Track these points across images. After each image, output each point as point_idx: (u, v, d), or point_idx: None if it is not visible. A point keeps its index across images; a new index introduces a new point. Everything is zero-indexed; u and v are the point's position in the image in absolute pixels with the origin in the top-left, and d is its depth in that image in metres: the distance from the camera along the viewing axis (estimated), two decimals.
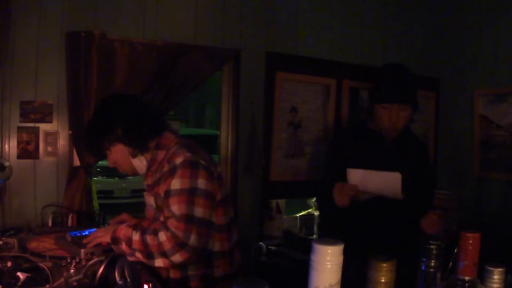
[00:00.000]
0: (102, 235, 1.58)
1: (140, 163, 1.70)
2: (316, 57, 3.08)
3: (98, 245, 1.57)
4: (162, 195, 1.53)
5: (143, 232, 1.47)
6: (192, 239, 1.41)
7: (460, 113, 3.50)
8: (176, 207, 1.44)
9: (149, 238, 1.44)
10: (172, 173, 1.50)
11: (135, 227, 1.51)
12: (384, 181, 1.88)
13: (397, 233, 2.01)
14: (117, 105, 1.68)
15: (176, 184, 1.47)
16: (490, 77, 3.27)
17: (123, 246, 1.48)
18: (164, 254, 1.41)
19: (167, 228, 1.42)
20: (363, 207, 1.97)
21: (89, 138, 1.72)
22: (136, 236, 1.47)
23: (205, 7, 2.74)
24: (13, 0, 2.30)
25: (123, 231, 1.52)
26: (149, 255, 1.43)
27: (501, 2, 3.20)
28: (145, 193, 1.74)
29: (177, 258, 1.40)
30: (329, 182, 1.98)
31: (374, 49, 3.32)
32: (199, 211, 1.45)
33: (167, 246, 1.40)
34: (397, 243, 1.94)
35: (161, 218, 1.53)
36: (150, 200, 1.68)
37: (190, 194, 1.46)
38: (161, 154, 1.63)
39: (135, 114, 1.65)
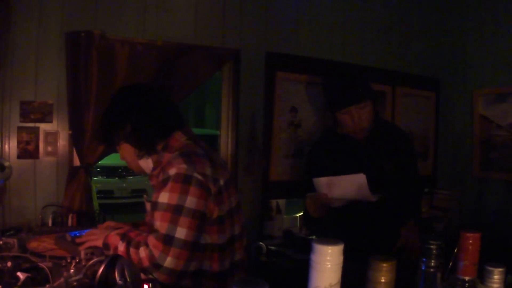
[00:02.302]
0: (95, 239, 1.56)
1: (146, 164, 1.63)
2: (316, 57, 3.08)
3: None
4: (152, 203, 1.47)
5: (128, 244, 1.43)
6: (168, 261, 1.33)
7: (460, 113, 3.50)
8: (159, 224, 1.37)
9: (132, 251, 1.40)
10: (164, 184, 1.41)
11: (122, 237, 1.46)
12: (350, 184, 1.89)
13: (375, 239, 1.97)
14: (131, 98, 1.60)
15: (164, 197, 1.39)
16: (490, 77, 3.28)
17: (111, 254, 1.45)
18: (144, 271, 1.36)
19: (147, 245, 1.37)
20: (338, 213, 1.98)
21: (101, 129, 1.66)
22: (121, 247, 1.43)
23: (205, 7, 2.74)
24: (13, 0, 2.30)
25: (113, 238, 1.48)
26: None
27: (501, 2, 3.21)
28: (145, 196, 1.69)
29: (156, 276, 1.35)
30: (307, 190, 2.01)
31: (374, 49, 3.32)
32: (181, 232, 1.36)
33: (145, 263, 1.35)
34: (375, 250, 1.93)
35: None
36: (147, 205, 1.62)
37: (175, 212, 1.36)
38: (166, 157, 1.51)
39: (148, 111, 1.56)
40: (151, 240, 1.36)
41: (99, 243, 1.53)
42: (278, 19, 2.96)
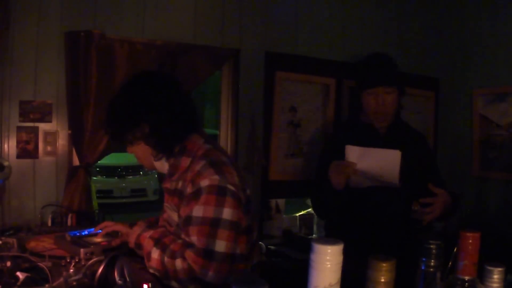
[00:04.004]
0: (126, 234, 1.56)
1: (161, 166, 1.54)
2: (315, 56, 3.07)
3: (97, 244, 1.57)
4: (183, 217, 1.39)
5: (163, 251, 1.37)
6: (210, 276, 1.28)
7: (460, 113, 3.50)
8: (196, 238, 1.31)
9: (167, 261, 1.34)
10: (196, 196, 1.34)
11: (156, 243, 1.41)
12: (382, 159, 1.83)
13: (395, 229, 1.96)
14: (151, 91, 1.45)
15: (198, 211, 1.32)
16: (490, 76, 3.28)
17: (143, 254, 1.45)
18: (179, 282, 1.32)
19: (184, 258, 1.31)
20: (359, 195, 1.93)
21: (113, 124, 1.50)
22: (155, 254, 1.38)
23: (205, 6, 2.74)
24: (13, 0, 2.30)
25: (146, 242, 1.44)
26: (166, 276, 1.36)
27: (500, 2, 3.21)
28: (166, 204, 1.56)
29: None
30: (323, 171, 1.94)
31: (374, 48, 3.29)
32: (221, 245, 1.30)
33: (182, 276, 1.31)
34: (395, 240, 1.91)
35: (182, 236, 1.40)
36: (172, 214, 1.50)
37: (213, 226, 1.31)
38: (185, 161, 1.44)
39: (170, 109, 1.43)
40: (190, 255, 1.30)
41: (130, 241, 1.49)
42: (277, 19, 2.96)
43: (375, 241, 1.87)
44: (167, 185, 1.51)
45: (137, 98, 1.44)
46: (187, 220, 1.35)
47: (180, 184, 1.44)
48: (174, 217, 1.47)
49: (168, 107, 1.44)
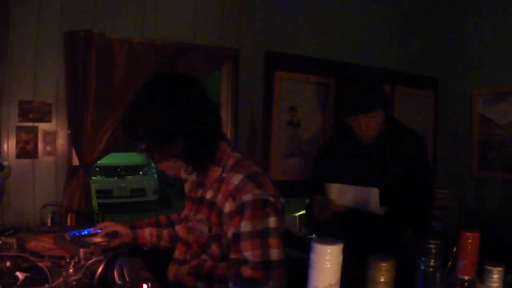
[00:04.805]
0: (126, 235, 1.59)
1: (190, 177, 1.48)
2: (315, 56, 3.08)
3: (97, 244, 1.57)
4: (230, 236, 1.34)
5: (208, 281, 1.34)
6: (270, 286, 1.30)
7: (459, 112, 3.51)
8: (250, 253, 1.28)
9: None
10: (239, 212, 1.31)
11: (197, 277, 1.37)
12: (362, 196, 1.90)
13: (374, 246, 1.97)
14: (184, 100, 1.32)
15: (247, 226, 1.30)
16: (489, 76, 3.28)
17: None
18: None
19: (236, 275, 1.27)
20: (342, 217, 1.98)
21: (147, 139, 1.33)
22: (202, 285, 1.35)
23: (204, 6, 2.74)
24: (12, 0, 2.30)
25: (187, 279, 1.40)
26: None
27: (500, 1, 3.21)
28: (191, 215, 1.47)
29: None
30: (314, 185, 2.06)
31: (373, 48, 3.32)
32: (274, 254, 1.29)
33: None
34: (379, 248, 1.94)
35: (232, 256, 1.34)
36: (201, 227, 1.42)
37: (263, 237, 1.29)
38: (216, 171, 1.39)
39: (202, 119, 1.33)
40: (246, 271, 1.27)
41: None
42: (277, 18, 2.96)
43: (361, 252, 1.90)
44: (192, 193, 1.48)
45: (171, 109, 1.30)
46: (236, 237, 1.32)
47: (210, 194, 1.40)
48: (204, 229, 1.42)
49: (201, 114, 1.34)
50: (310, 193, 2.16)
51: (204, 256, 1.41)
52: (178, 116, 1.29)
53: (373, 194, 1.86)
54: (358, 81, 2.07)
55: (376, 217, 1.91)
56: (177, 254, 1.50)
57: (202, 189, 1.43)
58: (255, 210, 1.30)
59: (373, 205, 1.87)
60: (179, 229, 1.67)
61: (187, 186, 1.54)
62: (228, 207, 1.33)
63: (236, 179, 1.34)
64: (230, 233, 1.33)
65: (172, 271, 1.48)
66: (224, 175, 1.38)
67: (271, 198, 1.34)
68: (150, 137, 1.31)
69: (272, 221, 1.31)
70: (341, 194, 1.94)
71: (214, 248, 1.38)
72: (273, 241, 1.30)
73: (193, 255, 1.44)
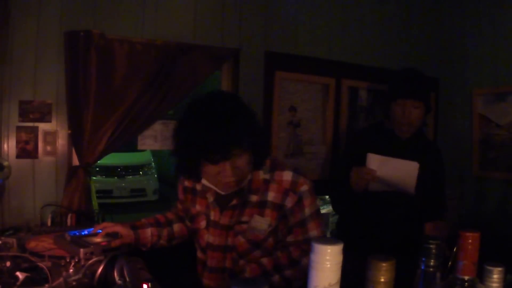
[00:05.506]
0: (126, 235, 1.62)
1: (246, 180, 1.53)
2: (315, 56, 3.08)
3: (97, 244, 1.57)
4: (295, 222, 1.49)
5: (279, 273, 1.47)
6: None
7: (459, 112, 3.51)
8: (315, 232, 1.51)
9: (291, 273, 1.46)
10: (301, 202, 1.50)
11: (267, 274, 1.48)
12: (401, 169, 1.96)
13: (401, 228, 2.08)
14: (241, 102, 1.46)
15: (310, 210, 1.52)
16: (489, 76, 3.28)
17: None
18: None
19: (307, 252, 1.35)
20: (374, 196, 2.06)
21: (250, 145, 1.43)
22: (275, 278, 1.47)
23: (204, 6, 2.74)
24: (12, 0, 2.30)
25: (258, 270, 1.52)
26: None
27: (500, 1, 3.21)
28: (257, 215, 1.52)
29: None
30: (344, 170, 2.09)
31: (373, 48, 3.32)
32: (323, 225, 1.59)
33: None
34: (399, 239, 2.00)
35: (299, 238, 1.51)
36: (260, 225, 1.51)
37: (319, 216, 1.56)
38: (259, 174, 1.52)
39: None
40: None
41: None
42: (277, 18, 2.96)
43: (378, 241, 1.98)
44: (236, 202, 1.51)
45: (241, 109, 1.43)
46: (302, 222, 1.50)
47: (269, 195, 1.51)
48: (263, 227, 1.51)
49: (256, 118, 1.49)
50: (335, 176, 2.28)
51: (256, 253, 1.52)
52: (249, 115, 1.45)
53: (413, 168, 1.93)
54: (414, 70, 2.18)
55: (406, 203, 2.03)
56: (214, 263, 1.56)
57: (250, 193, 1.52)
58: (312, 196, 1.53)
59: (411, 180, 1.94)
60: (179, 227, 1.76)
61: (209, 196, 1.57)
62: (290, 201, 1.49)
63: (287, 176, 1.52)
64: (293, 221, 1.50)
65: (212, 279, 1.57)
66: (267, 176, 1.52)
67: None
68: (253, 140, 1.43)
69: (318, 201, 1.58)
70: (381, 165, 1.98)
71: (270, 241, 1.51)
72: (321, 217, 1.59)
73: (241, 256, 1.52)
